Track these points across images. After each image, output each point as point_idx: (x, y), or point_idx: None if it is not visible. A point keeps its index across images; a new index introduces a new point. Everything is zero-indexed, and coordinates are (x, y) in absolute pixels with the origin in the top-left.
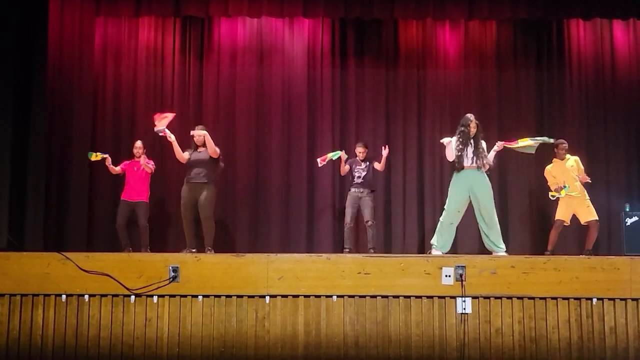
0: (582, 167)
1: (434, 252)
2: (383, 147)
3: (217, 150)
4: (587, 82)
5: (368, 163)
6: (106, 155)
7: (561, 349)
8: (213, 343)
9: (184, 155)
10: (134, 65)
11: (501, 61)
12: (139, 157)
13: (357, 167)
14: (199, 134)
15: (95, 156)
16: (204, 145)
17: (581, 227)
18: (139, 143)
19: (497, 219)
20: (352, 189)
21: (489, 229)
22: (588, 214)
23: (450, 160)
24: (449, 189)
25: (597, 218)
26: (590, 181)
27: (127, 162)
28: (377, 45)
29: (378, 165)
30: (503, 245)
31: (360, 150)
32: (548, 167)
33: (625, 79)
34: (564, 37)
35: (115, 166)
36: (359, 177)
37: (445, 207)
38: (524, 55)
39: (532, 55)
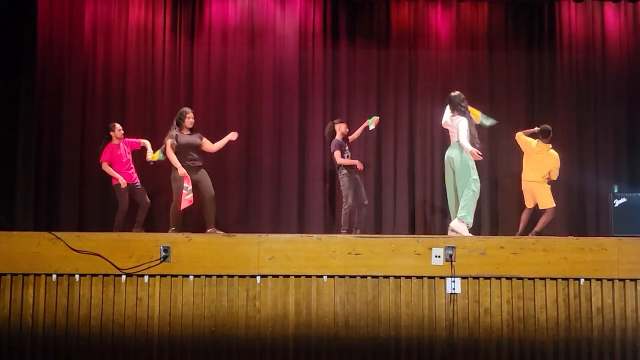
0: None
1: (464, 227)
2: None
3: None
4: (577, 64)
5: (348, 140)
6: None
7: (549, 328)
8: (204, 322)
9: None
10: (124, 44)
11: (492, 42)
12: (119, 138)
13: (345, 148)
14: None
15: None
16: (192, 127)
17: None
18: (118, 125)
19: None
20: (346, 171)
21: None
22: (546, 201)
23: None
24: (470, 164)
25: (554, 205)
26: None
27: (106, 148)
28: (368, 25)
29: (350, 137)
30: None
31: (344, 126)
32: (533, 144)
33: (615, 62)
34: (555, 19)
35: (104, 164)
36: (348, 157)
37: (472, 183)
38: (515, 37)
39: (524, 37)
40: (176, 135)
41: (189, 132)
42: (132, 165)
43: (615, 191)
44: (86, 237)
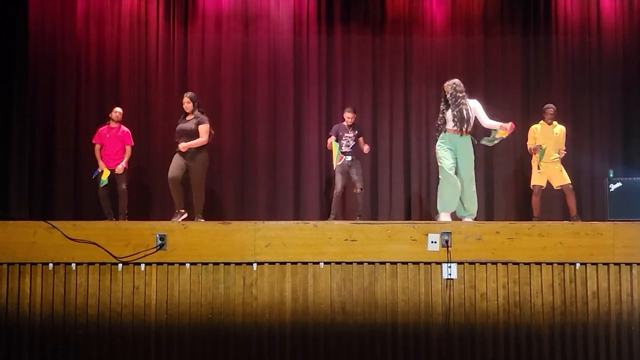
0: (564, 138)
1: (442, 218)
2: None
3: (204, 141)
4: (573, 49)
5: (357, 132)
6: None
7: (544, 312)
8: (201, 310)
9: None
10: (117, 32)
11: (488, 27)
12: (117, 121)
13: (346, 134)
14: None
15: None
16: (191, 112)
17: (562, 192)
18: (118, 109)
19: (474, 186)
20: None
21: (464, 195)
22: (561, 178)
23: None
24: (438, 151)
25: (570, 182)
26: (565, 152)
27: (103, 128)
28: (363, 11)
29: (362, 146)
30: (473, 211)
31: (349, 116)
32: (534, 126)
33: (611, 46)
34: (550, 3)
35: (96, 146)
36: (347, 145)
37: (440, 170)
38: (510, 21)
39: (519, 22)
40: (178, 122)
41: (192, 117)
42: (124, 151)
43: (611, 176)
44: (82, 226)
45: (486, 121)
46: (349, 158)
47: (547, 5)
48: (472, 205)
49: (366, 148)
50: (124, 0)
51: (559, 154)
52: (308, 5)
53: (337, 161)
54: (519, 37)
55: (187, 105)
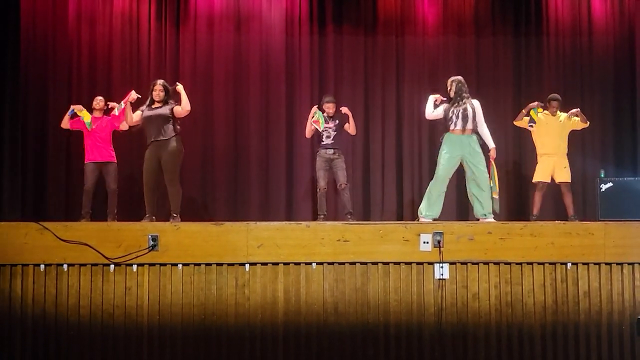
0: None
1: (423, 221)
2: (340, 110)
3: (189, 108)
4: (564, 49)
5: (337, 121)
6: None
7: (536, 312)
8: (193, 311)
9: (133, 118)
10: (109, 33)
11: (480, 28)
12: (100, 109)
13: (326, 125)
14: (159, 89)
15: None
16: (161, 101)
17: (557, 192)
18: (100, 97)
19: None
20: (322, 150)
21: (482, 195)
22: (562, 175)
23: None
24: (440, 154)
25: (569, 181)
26: (586, 124)
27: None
28: (355, 12)
29: (348, 128)
30: (491, 210)
31: (328, 106)
32: (540, 113)
33: (602, 47)
34: (542, 4)
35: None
36: (328, 136)
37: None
38: (502, 22)
39: (511, 22)
40: (143, 109)
41: (159, 105)
42: (111, 143)
43: (602, 176)
44: (74, 227)
45: (482, 128)
46: (331, 151)
47: (538, 6)
48: (489, 205)
49: (352, 128)
50: (116, 1)
51: (580, 120)
52: (300, 6)
53: (312, 122)
54: (510, 38)
55: (160, 93)
